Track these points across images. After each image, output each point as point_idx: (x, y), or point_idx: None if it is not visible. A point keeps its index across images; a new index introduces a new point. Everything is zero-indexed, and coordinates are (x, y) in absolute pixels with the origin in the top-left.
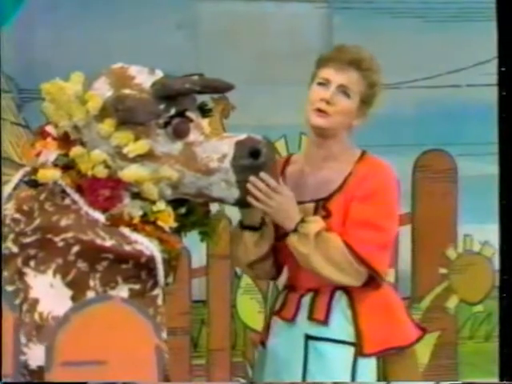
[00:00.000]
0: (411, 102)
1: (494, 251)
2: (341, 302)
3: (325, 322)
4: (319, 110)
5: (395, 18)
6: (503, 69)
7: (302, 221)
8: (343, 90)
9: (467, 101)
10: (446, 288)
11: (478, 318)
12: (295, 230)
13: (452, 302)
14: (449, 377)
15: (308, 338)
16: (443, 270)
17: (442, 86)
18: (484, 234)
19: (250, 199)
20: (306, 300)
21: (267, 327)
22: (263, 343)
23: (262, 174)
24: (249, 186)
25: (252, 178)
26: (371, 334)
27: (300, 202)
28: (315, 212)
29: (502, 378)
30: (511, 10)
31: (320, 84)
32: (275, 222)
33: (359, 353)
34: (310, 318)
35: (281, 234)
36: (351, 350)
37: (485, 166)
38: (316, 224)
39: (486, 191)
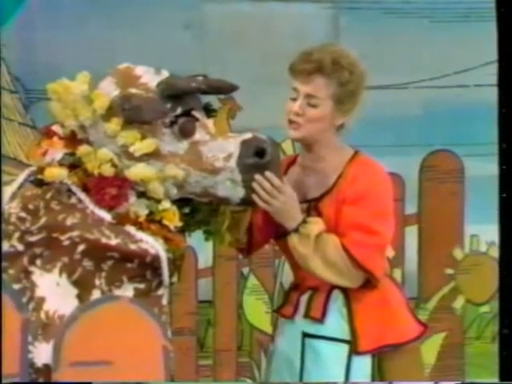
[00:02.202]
0: (418, 103)
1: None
2: (337, 300)
3: (320, 319)
4: (291, 122)
5: (401, 18)
6: (503, 69)
7: (304, 221)
8: (310, 99)
9: (474, 101)
10: (452, 288)
11: (484, 318)
12: (296, 230)
13: (458, 303)
14: (455, 377)
15: (305, 335)
16: (450, 271)
17: (448, 86)
18: (490, 234)
19: (255, 198)
20: (305, 298)
21: (276, 326)
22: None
23: (267, 173)
24: (254, 184)
25: (257, 177)
26: (366, 331)
27: None
28: (307, 212)
29: (502, 378)
30: (511, 10)
31: (292, 97)
32: (278, 221)
33: (354, 350)
34: (307, 315)
35: (282, 233)
36: (346, 347)
37: (491, 166)
38: (317, 225)
39: (492, 192)
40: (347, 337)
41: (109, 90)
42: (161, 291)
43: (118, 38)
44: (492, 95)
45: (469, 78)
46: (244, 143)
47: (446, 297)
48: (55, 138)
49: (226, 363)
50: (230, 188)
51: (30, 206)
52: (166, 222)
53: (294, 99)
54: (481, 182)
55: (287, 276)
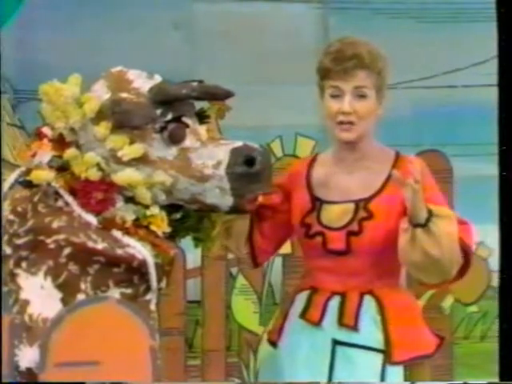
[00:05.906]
0: (407, 103)
1: (489, 252)
2: (370, 307)
3: (354, 327)
4: (342, 123)
5: (391, 18)
6: (503, 69)
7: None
8: (358, 93)
9: (463, 101)
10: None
11: (472, 318)
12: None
13: (447, 302)
14: (444, 377)
15: (336, 342)
16: None
17: (438, 86)
18: (480, 234)
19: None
20: (334, 304)
21: (280, 327)
22: (274, 343)
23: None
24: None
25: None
26: (400, 341)
27: (333, 202)
28: (355, 213)
29: (501, 378)
30: (511, 10)
31: (333, 95)
32: (413, 207)
33: (388, 360)
34: (340, 323)
35: (312, 234)
36: (380, 357)
37: (480, 167)
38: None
39: (481, 192)
40: (381, 346)
41: (101, 93)
42: (148, 296)
43: (108, 38)
44: (482, 95)
45: (458, 79)
46: (234, 151)
47: (435, 296)
48: (45, 140)
49: (215, 363)
50: (218, 196)
51: (19, 209)
52: (153, 227)
53: (336, 96)
54: (470, 182)
55: (276, 276)
